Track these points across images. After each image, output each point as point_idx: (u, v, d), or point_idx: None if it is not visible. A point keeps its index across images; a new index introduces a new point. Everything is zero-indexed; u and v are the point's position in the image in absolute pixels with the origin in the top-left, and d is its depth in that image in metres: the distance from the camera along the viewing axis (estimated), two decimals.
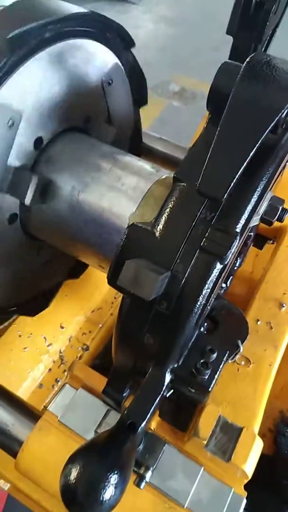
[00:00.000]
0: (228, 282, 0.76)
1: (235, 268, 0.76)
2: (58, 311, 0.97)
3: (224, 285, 0.74)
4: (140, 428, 0.44)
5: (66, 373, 0.85)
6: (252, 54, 0.43)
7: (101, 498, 0.37)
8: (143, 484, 0.52)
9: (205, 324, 0.56)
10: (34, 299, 0.80)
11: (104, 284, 1.06)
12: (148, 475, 0.52)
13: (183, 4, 4.56)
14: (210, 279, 0.43)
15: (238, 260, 0.76)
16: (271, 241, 0.93)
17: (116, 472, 0.38)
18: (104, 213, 0.59)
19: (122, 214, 0.57)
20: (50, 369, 0.95)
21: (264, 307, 0.77)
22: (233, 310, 0.58)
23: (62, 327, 0.98)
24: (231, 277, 0.75)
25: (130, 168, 0.62)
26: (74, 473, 0.37)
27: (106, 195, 0.58)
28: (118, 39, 0.67)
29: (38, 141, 0.56)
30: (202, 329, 0.53)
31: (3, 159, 0.51)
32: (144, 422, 0.45)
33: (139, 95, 0.78)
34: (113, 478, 0.38)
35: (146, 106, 0.84)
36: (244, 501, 0.54)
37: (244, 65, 0.42)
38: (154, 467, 0.51)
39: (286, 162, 0.54)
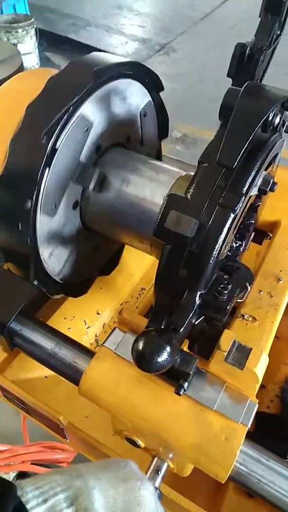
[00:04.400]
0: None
1: (241, 250, 0.97)
2: (95, 300, 1.16)
3: None
4: (180, 331, 0.63)
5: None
6: (248, 81, 0.67)
7: (159, 359, 0.55)
8: (182, 391, 0.68)
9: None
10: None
11: (131, 280, 1.27)
12: (186, 384, 0.69)
13: (181, 64, 5.09)
14: (226, 225, 0.64)
15: (243, 244, 0.97)
16: (269, 238, 1.15)
17: (169, 345, 0.57)
18: (144, 201, 0.80)
19: (158, 202, 0.78)
20: None
21: (265, 282, 0.97)
22: (242, 266, 0.78)
23: (98, 313, 1.17)
24: (237, 257, 0.96)
25: (163, 169, 0.85)
26: (141, 344, 0.56)
27: (146, 187, 0.80)
28: (152, 84, 0.92)
29: (98, 148, 0.79)
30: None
31: (76, 155, 0.74)
32: (182, 328, 0.64)
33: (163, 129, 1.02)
34: (167, 348, 0.56)
35: None
36: (257, 406, 0.71)
37: (243, 87, 0.66)
38: (190, 376, 0.68)
39: (278, 154, 0.77)
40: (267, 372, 1.21)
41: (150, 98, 0.92)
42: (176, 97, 4.32)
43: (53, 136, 0.67)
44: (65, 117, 0.66)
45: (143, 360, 0.55)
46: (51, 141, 0.67)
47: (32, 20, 4.37)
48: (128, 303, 1.27)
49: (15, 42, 4.26)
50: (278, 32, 1.03)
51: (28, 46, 4.42)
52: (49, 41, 5.16)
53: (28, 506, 0.41)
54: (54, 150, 0.68)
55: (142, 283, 1.31)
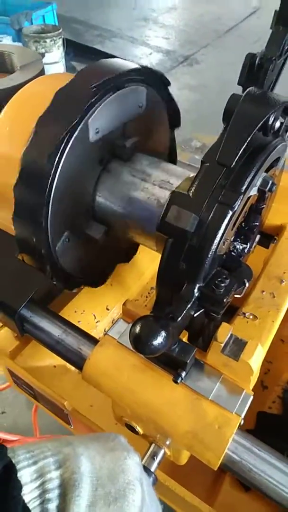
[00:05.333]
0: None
1: (246, 252, 1.00)
2: (105, 296, 1.21)
3: None
4: (177, 319, 0.67)
5: None
6: (249, 88, 0.71)
7: (154, 343, 0.59)
8: (179, 379, 0.72)
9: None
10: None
11: (141, 279, 1.31)
12: (183, 374, 0.72)
13: (204, 75, 5.14)
14: (224, 221, 0.67)
15: (248, 245, 1.00)
16: (275, 241, 1.17)
17: (164, 330, 0.60)
18: (150, 205, 0.84)
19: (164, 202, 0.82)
20: None
21: (268, 282, 0.99)
22: (242, 264, 0.81)
23: (107, 309, 1.21)
24: (241, 258, 0.99)
25: (168, 171, 0.89)
26: (138, 327, 0.60)
27: (149, 196, 0.85)
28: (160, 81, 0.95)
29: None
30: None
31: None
32: (180, 318, 0.67)
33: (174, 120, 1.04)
34: (162, 333, 0.60)
35: None
36: (251, 398, 0.73)
37: (245, 93, 0.70)
38: (188, 365, 0.72)
39: (281, 158, 0.80)
40: (271, 374, 1.24)
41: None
42: (197, 108, 4.38)
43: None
44: None
45: (139, 342, 0.59)
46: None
47: (60, 30, 4.50)
48: (138, 301, 1.31)
49: (43, 52, 4.40)
50: None
51: (55, 56, 4.55)
52: (76, 51, 5.30)
53: (18, 466, 0.45)
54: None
55: (152, 282, 1.34)
